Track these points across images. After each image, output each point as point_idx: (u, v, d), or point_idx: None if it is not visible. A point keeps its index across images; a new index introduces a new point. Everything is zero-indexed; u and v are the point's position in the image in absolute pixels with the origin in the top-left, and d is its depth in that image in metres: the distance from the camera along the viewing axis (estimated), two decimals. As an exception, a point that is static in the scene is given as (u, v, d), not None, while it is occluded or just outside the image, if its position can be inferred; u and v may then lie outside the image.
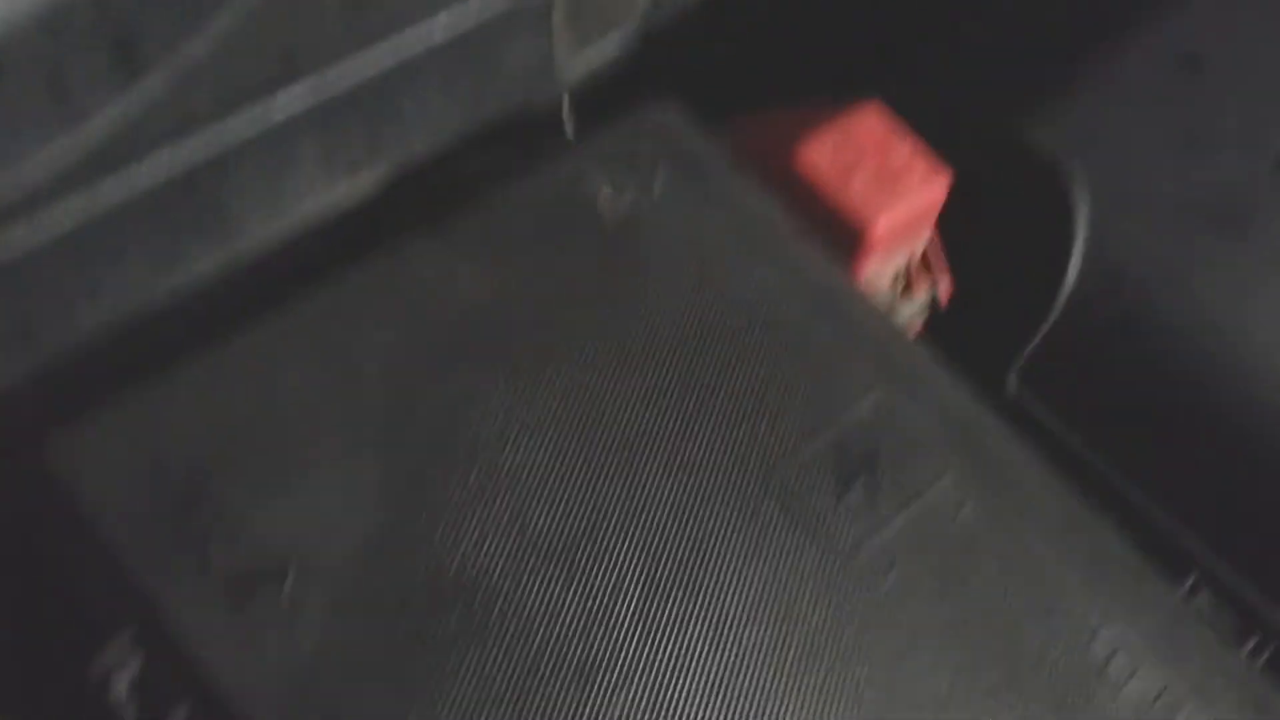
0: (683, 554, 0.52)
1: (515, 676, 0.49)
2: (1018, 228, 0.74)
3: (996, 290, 0.73)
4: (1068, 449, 0.71)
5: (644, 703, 0.49)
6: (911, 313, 0.73)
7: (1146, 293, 0.70)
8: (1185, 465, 0.68)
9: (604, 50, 0.76)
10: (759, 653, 0.50)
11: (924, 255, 0.72)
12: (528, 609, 0.50)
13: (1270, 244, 0.69)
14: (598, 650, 0.50)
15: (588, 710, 0.48)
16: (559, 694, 0.49)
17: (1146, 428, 0.69)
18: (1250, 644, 0.59)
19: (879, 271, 0.70)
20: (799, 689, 0.50)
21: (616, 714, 0.49)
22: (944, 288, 0.73)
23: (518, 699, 0.48)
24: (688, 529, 0.53)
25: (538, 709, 0.48)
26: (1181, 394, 0.68)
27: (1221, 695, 0.52)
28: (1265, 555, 0.65)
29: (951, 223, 0.72)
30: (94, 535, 0.51)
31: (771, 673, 0.50)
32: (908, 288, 0.72)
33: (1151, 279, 0.70)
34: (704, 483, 0.54)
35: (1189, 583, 0.61)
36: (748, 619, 0.51)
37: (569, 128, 0.77)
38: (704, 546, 0.52)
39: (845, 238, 0.66)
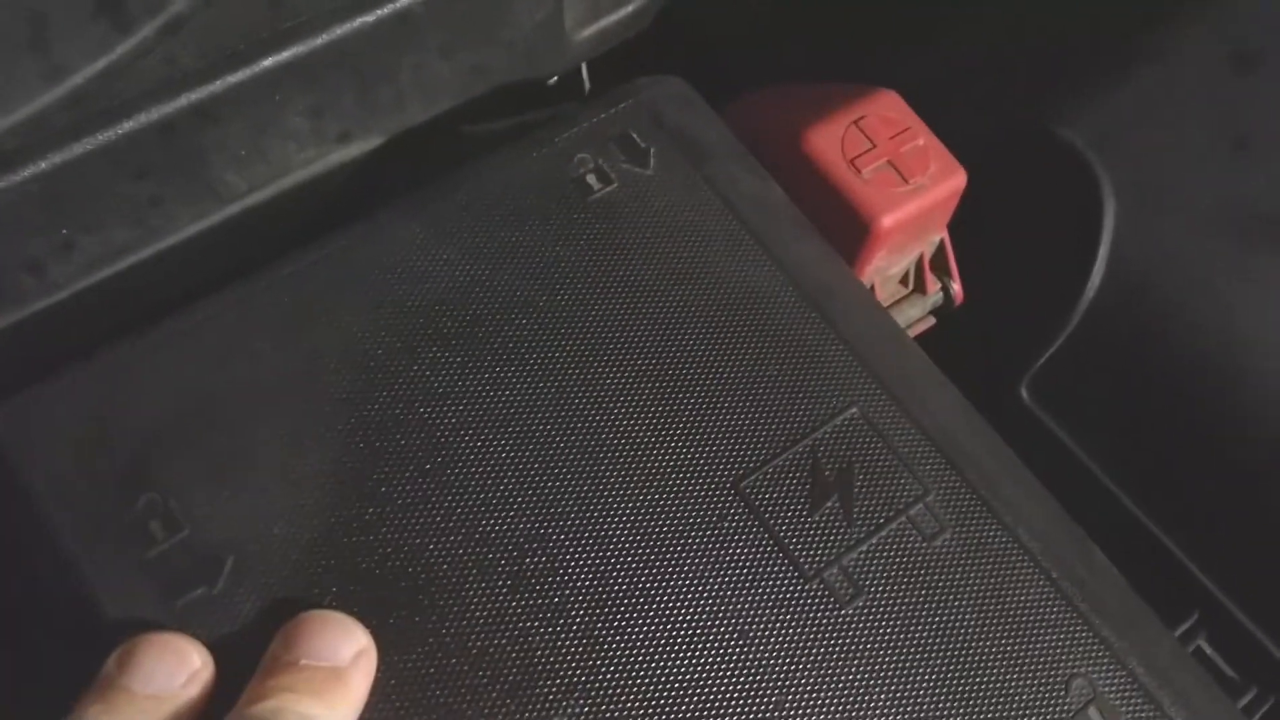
0: (636, 565, 0.49)
1: (449, 684, 0.46)
2: (1040, 229, 0.70)
3: (1014, 294, 0.70)
4: (1078, 465, 0.67)
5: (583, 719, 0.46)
6: (920, 312, 0.69)
7: (1173, 306, 0.66)
8: (1201, 494, 0.64)
9: (616, 23, 0.73)
10: (708, 675, 0.48)
11: (936, 254, 0.69)
12: (469, 614, 0.48)
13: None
14: (539, 662, 0.47)
15: (522, 725, 0.46)
16: (494, 705, 0.46)
17: (1163, 450, 0.65)
18: (1249, 695, 0.55)
19: (887, 268, 0.67)
20: (749, 715, 0.47)
21: (552, 731, 0.46)
22: (956, 288, 0.69)
23: (451, 708, 0.46)
24: (644, 538, 0.50)
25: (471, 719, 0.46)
26: (1203, 417, 0.64)
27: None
28: (1278, 596, 0.62)
29: (970, 220, 0.68)
30: (36, 510, 0.49)
31: (720, 697, 0.47)
32: (918, 286, 0.69)
33: (1179, 291, 0.66)
34: (667, 489, 0.51)
35: (1189, 623, 0.58)
36: (699, 638, 0.48)
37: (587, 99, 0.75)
38: (660, 558, 0.50)
39: (850, 230, 0.63)
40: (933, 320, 0.71)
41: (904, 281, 0.70)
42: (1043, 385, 0.68)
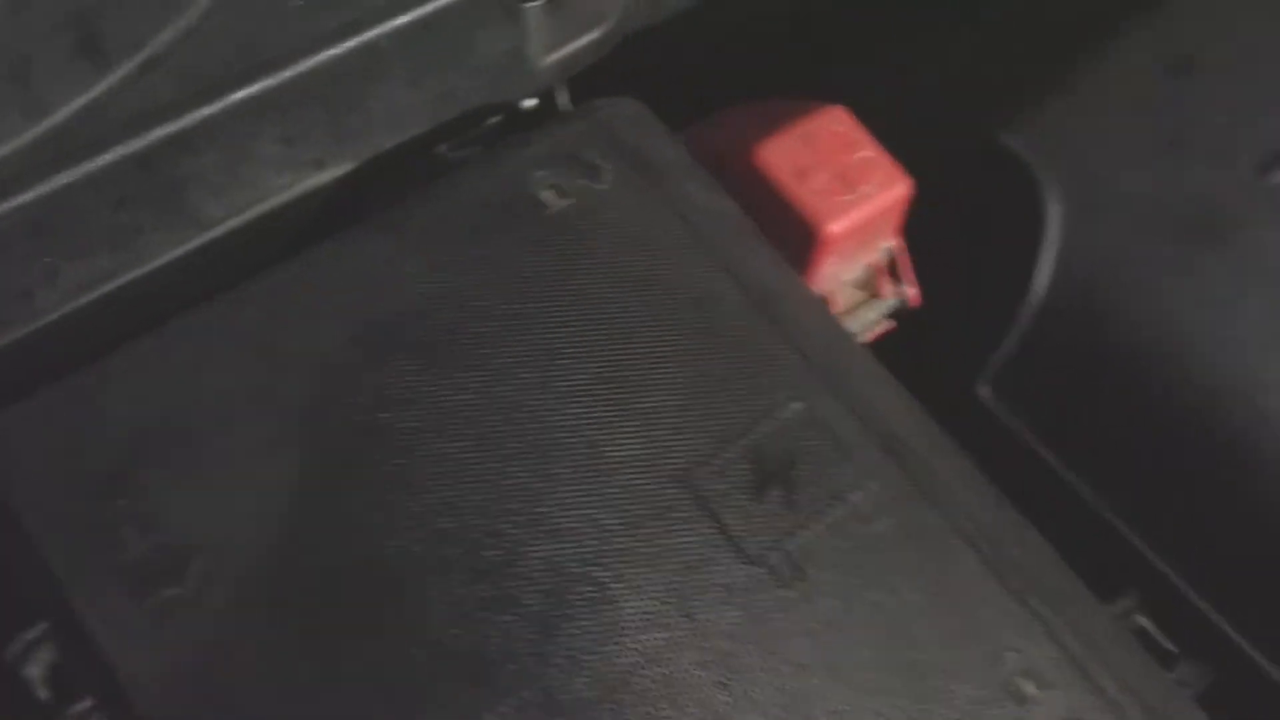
0: (588, 556, 0.52)
1: (408, 672, 0.49)
2: (991, 234, 0.72)
3: (969, 297, 0.72)
4: (1037, 459, 0.69)
5: (536, 704, 0.49)
6: (877, 316, 0.72)
7: (1118, 303, 0.68)
8: (1149, 478, 0.66)
9: (582, 49, 0.75)
10: (657, 657, 0.50)
11: (890, 260, 0.71)
12: (428, 607, 0.50)
13: (1249, 254, 0.67)
14: (494, 650, 0.50)
15: (478, 708, 0.48)
16: (452, 692, 0.49)
17: (1114, 441, 0.68)
18: (1188, 668, 0.58)
19: (840, 274, 0.69)
20: (695, 695, 0.50)
21: (508, 713, 0.48)
22: (912, 293, 0.72)
23: (409, 694, 0.49)
24: (596, 530, 0.52)
25: (428, 705, 0.48)
26: (1150, 408, 0.66)
27: (1134, 720, 0.51)
28: (1224, 575, 0.64)
29: (925, 228, 0.71)
30: (16, 519, 0.52)
31: (667, 678, 0.50)
32: (873, 292, 0.71)
33: (1124, 289, 0.68)
34: (618, 483, 0.54)
35: (1127, 601, 0.60)
36: (648, 623, 0.51)
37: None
38: (611, 549, 0.52)
39: (800, 238, 0.65)
40: (892, 324, 0.73)
41: (862, 288, 0.73)
42: (1000, 384, 0.71)
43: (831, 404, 0.57)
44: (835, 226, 0.65)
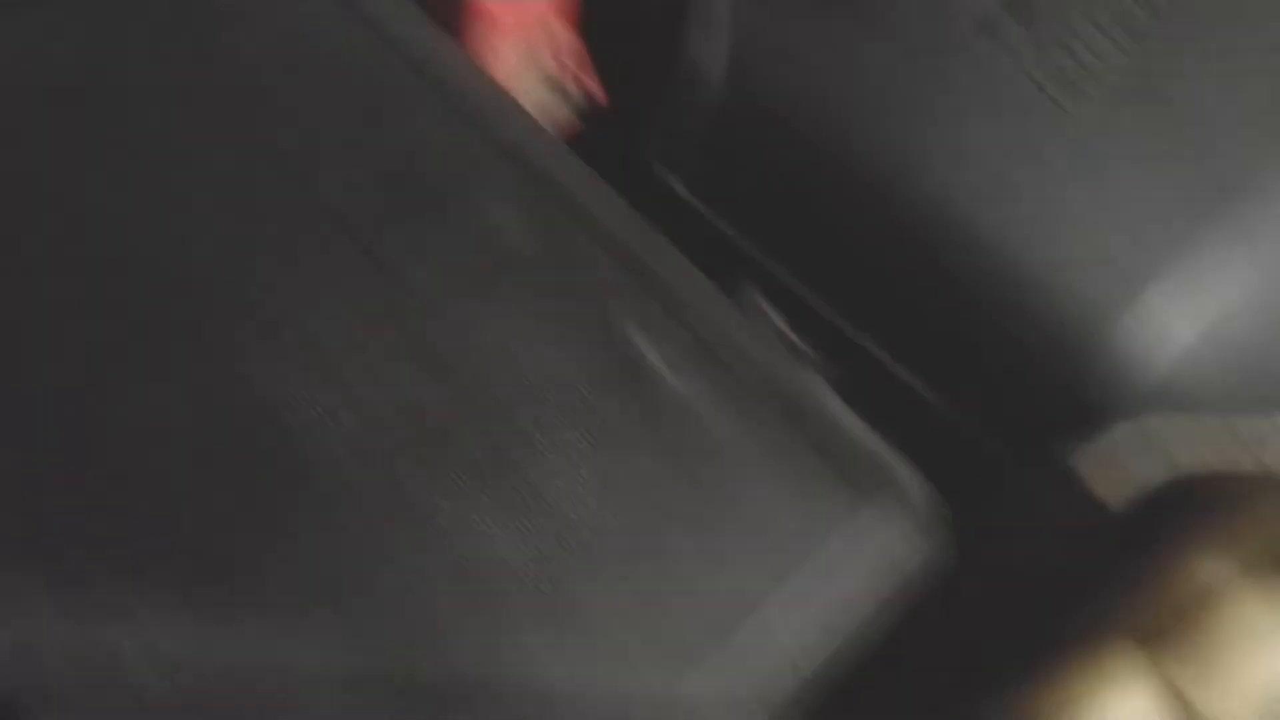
0: (244, 281, 0.55)
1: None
2: (657, 24, 0.76)
3: (642, 82, 0.76)
4: (710, 225, 0.73)
5: (180, 397, 0.52)
6: (560, 110, 0.76)
7: (775, 79, 0.72)
8: (797, 220, 0.71)
9: None
10: (315, 367, 0.53)
11: (570, 58, 0.75)
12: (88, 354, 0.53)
13: (870, 10, 0.71)
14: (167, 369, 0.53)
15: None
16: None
17: (775, 203, 0.72)
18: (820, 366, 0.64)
19: (522, 70, 0.73)
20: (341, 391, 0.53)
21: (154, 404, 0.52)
22: (592, 87, 0.76)
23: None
24: (250, 261, 0.56)
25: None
26: (794, 158, 0.71)
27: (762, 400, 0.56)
28: (857, 289, 0.68)
29: (599, 27, 0.75)
30: None
31: (318, 375, 0.53)
32: (553, 84, 0.76)
33: (774, 60, 0.72)
34: (265, 217, 0.57)
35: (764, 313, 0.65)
36: (305, 340, 0.54)
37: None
38: (263, 274, 0.56)
39: (464, 21, 0.69)
40: (579, 123, 0.77)
41: (549, 88, 0.77)
42: (674, 160, 0.74)
43: (473, 137, 0.60)
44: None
